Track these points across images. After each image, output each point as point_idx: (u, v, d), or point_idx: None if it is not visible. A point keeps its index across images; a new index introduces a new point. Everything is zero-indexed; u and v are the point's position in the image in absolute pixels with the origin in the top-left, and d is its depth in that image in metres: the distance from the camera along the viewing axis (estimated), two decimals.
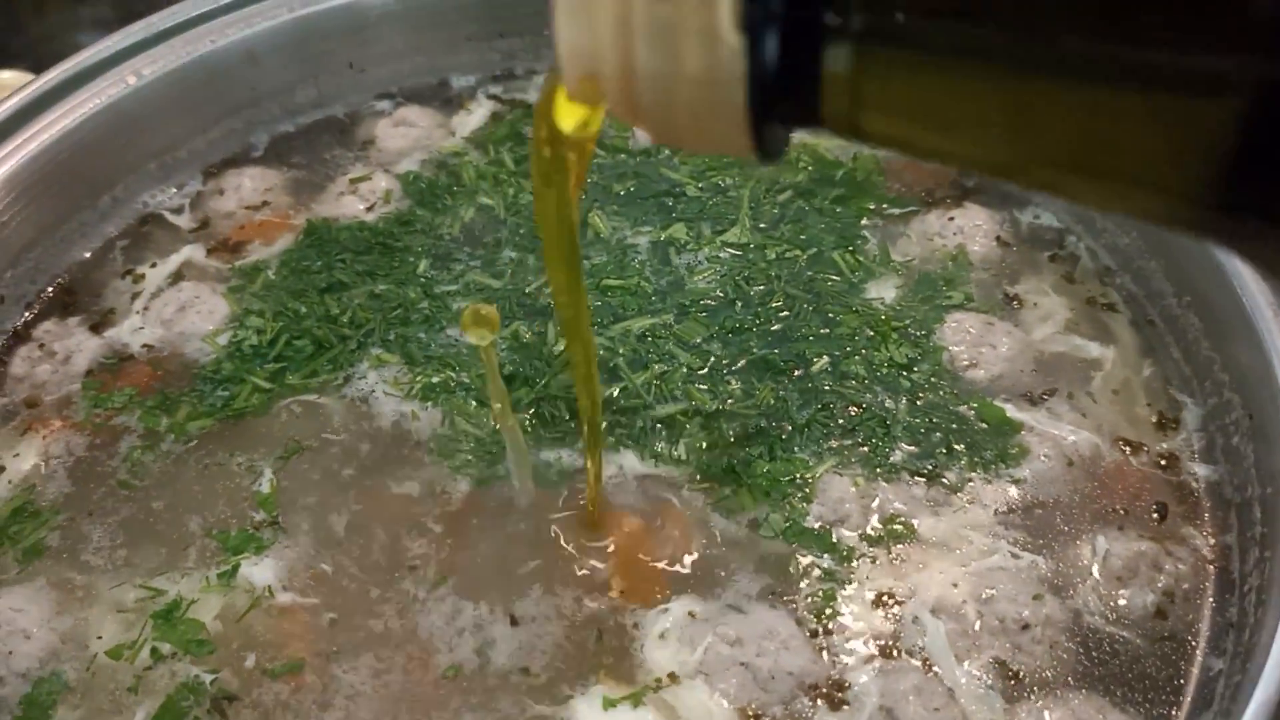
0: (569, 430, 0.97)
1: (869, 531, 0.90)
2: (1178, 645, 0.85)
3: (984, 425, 0.98)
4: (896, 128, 0.45)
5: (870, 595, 0.87)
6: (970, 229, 1.16)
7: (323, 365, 1.02)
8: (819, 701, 0.81)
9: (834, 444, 0.95)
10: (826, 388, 0.99)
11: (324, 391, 1.01)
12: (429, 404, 0.99)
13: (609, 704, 0.80)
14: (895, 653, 0.84)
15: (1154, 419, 1.00)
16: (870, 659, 0.83)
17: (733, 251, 1.12)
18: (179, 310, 1.09)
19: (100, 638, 0.85)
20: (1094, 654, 0.84)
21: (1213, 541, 0.91)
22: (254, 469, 0.95)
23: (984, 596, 0.86)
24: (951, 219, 1.16)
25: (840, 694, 0.81)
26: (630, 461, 0.95)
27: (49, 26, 1.81)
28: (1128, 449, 0.97)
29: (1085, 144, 0.40)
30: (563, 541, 0.90)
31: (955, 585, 0.87)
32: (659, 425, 0.97)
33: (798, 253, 1.12)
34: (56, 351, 1.06)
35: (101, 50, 1.16)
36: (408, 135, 1.30)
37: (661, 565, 0.89)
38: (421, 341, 1.04)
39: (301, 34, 1.27)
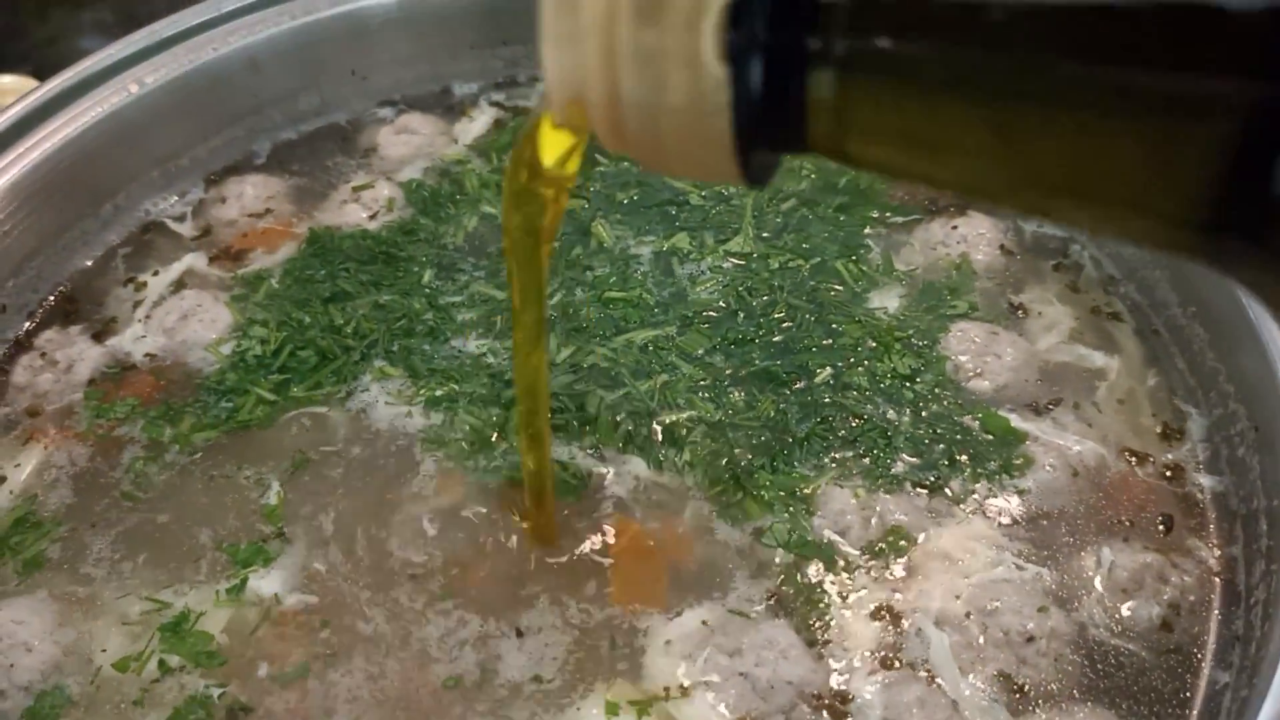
0: (574, 434, 0.96)
1: (871, 543, 0.90)
2: (1183, 658, 0.84)
3: (988, 436, 0.97)
4: (882, 152, 0.45)
5: (873, 606, 0.86)
6: (974, 237, 1.15)
7: (327, 377, 1.02)
8: (823, 712, 0.80)
9: (835, 455, 0.95)
10: (828, 399, 0.99)
11: (328, 404, 1.01)
12: (432, 415, 0.99)
13: (612, 710, 0.80)
14: (898, 664, 0.83)
15: (1159, 429, 1.00)
16: (873, 671, 0.83)
17: (736, 261, 1.12)
18: (181, 319, 1.09)
19: (105, 650, 0.85)
20: (1099, 667, 0.84)
21: (1218, 553, 0.91)
22: (259, 481, 0.95)
23: (988, 608, 0.85)
24: (955, 227, 1.16)
25: (843, 706, 0.81)
26: (635, 468, 0.94)
27: (50, 31, 1.81)
28: (1133, 460, 0.97)
29: (1072, 168, 0.40)
30: (566, 549, 0.90)
31: (959, 597, 0.86)
32: (663, 432, 0.96)
33: (801, 262, 1.11)
34: (58, 360, 1.06)
35: (103, 58, 1.16)
36: (410, 143, 1.29)
37: (663, 574, 0.88)
38: (425, 354, 1.04)
39: (303, 41, 1.27)
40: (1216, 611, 0.87)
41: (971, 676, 0.82)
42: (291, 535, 0.91)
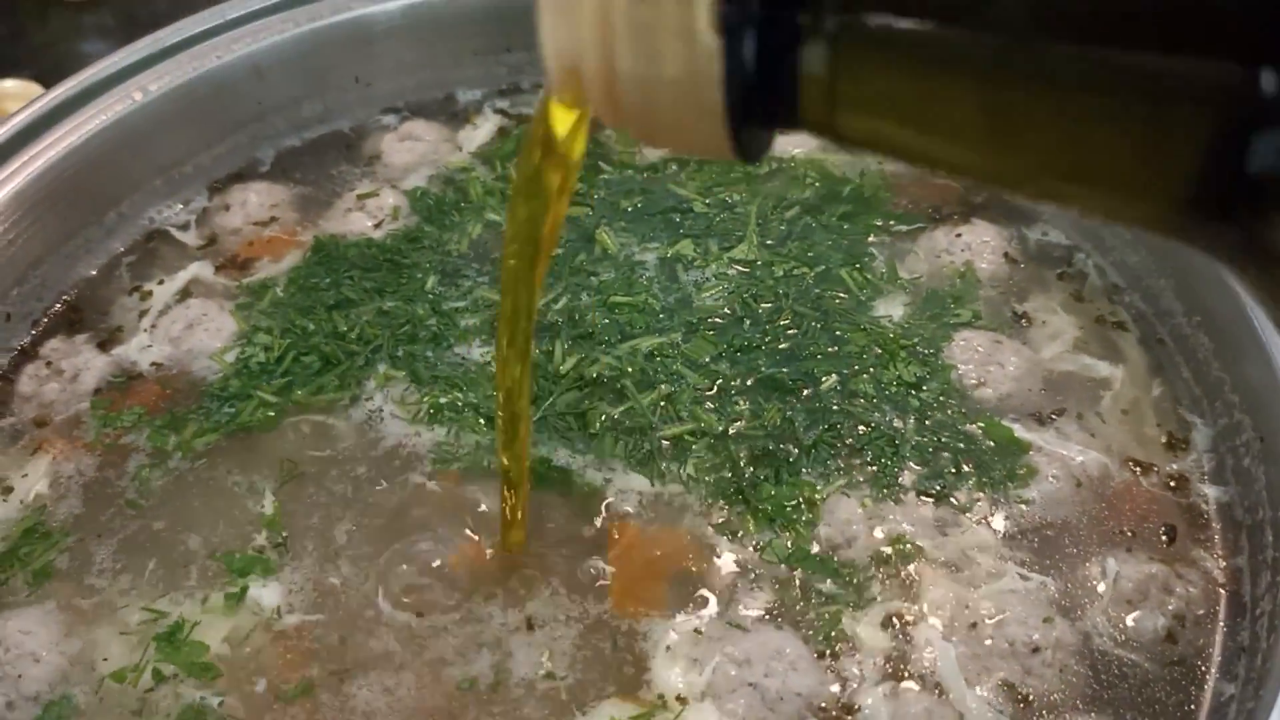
0: (578, 439, 0.97)
1: (877, 553, 0.90)
2: (1188, 670, 0.84)
3: (992, 445, 0.97)
4: (874, 129, 0.46)
5: (879, 617, 0.86)
6: (978, 246, 1.15)
7: (330, 382, 1.02)
8: None
9: (841, 464, 0.95)
10: (834, 407, 0.99)
11: (331, 410, 1.01)
12: (435, 424, 0.99)
13: None
14: (905, 675, 0.83)
15: (1163, 439, 1.00)
16: (880, 681, 0.83)
17: (740, 269, 1.12)
18: (187, 328, 1.09)
19: (106, 660, 0.85)
20: (1103, 677, 0.84)
21: (1223, 564, 0.91)
22: (261, 489, 0.95)
23: (994, 619, 0.86)
24: (959, 235, 1.16)
25: (849, 716, 0.81)
26: (638, 482, 0.95)
27: (51, 35, 1.81)
28: (1137, 470, 0.97)
29: (1059, 145, 0.41)
30: (569, 558, 0.90)
31: (965, 607, 0.86)
32: (666, 445, 0.97)
33: (805, 270, 1.12)
34: (64, 370, 1.06)
35: (107, 66, 1.16)
36: (414, 150, 1.29)
37: (666, 584, 0.88)
38: (429, 360, 1.04)
39: (307, 49, 1.27)
40: (1222, 623, 0.87)
41: (978, 688, 0.82)
42: (291, 544, 0.91)
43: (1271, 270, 0.39)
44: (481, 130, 1.32)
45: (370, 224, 1.20)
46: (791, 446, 0.96)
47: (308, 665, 0.84)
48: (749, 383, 1.01)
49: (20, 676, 0.83)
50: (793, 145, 1.28)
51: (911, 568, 0.89)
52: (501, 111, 1.36)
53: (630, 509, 0.93)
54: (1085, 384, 1.04)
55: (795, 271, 1.11)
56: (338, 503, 0.94)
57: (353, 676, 0.83)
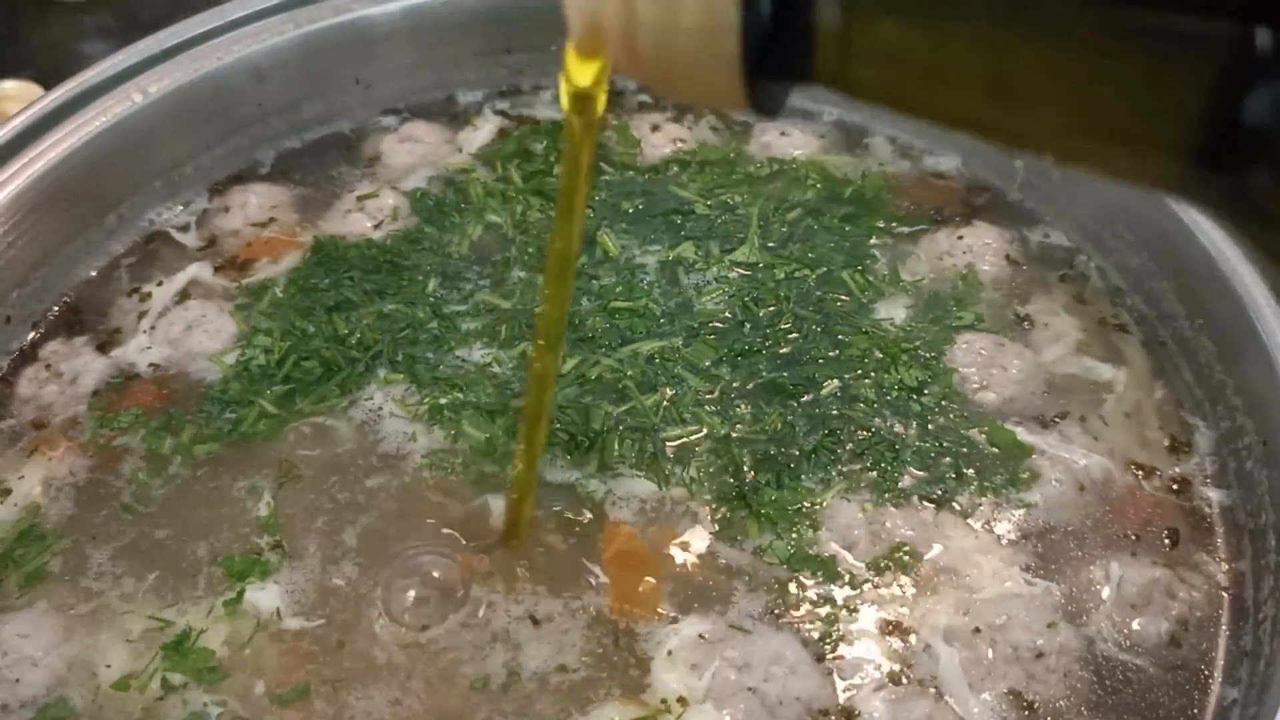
0: (579, 443, 0.96)
1: (878, 558, 0.90)
2: (1192, 675, 0.84)
3: (994, 449, 0.97)
4: (886, 83, 0.47)
5: (880, 622, 0.86)
6: (979, 248, 1.15)
7: (331, 390, 1.02)
8: None
9: (842, 469, 0.95)
10: (835, 411, 0.99)
11: (332, 415, 1.00)
12: (435, 426, 0.99)
13: None
14: (907, 680, 0.83)
15: (1166, 442, 1.00)
16: (881, 686, 0.83)
17: (741, 271, 1.12)
18: (186, 329, 1.08)
19: (109, 666, 0.84)
20: (1107, 683, 0.84)
21: (1226, 568, 0.91)
22: (260, 493, 0.95)
23: (997, 624, 0.85)
24: (961, 237, 1.16)
25: None
26: (640, 485, 0.94)
27: (52, 35, 1.80)
28: (1140, 473, 0.97)
29: (1065, 97, 0.42)
30: (570, 561, 0.90)
31: (967, 612, 0.86)
32: (668, 448, 0.96)
33: (807, 272, 1.11)
34: (63, 372, 1.05)
35: (107, 68, 1.16)
36: (414, 151, 1.29)
37: (665, 587, 0.88)
38: (429, 362, 1.04)
39: (307, 50, 1.26)
40: (1225, 627, 0.87)
41: (981, 693, 0.82)
42: (292, 548, 0.91)
43: (1262, 222, 0.40)
44: (482, 131, 1.32)
45: (370, 225, 1.19)
46: (793, 451, 0.96)
47: (307, 667, 0.84)
48: (750, 387, 1.01)
49: (18, 680, 0.83)
50: (794, 147, 1.28)
51: (913, 572, 0.89)
52: (502, 113, 1.35)
53: (632, 512, 0.93)
54: (1088, 387, 1.04)
55: (797, 274, 1.11)
56: (337, 505, 0.94)
57: (350, 679, 0.83)
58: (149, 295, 1.14)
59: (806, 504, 0.92)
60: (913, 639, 0.85)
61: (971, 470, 0.95)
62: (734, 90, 0.49)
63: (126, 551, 0.92)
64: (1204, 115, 0.39)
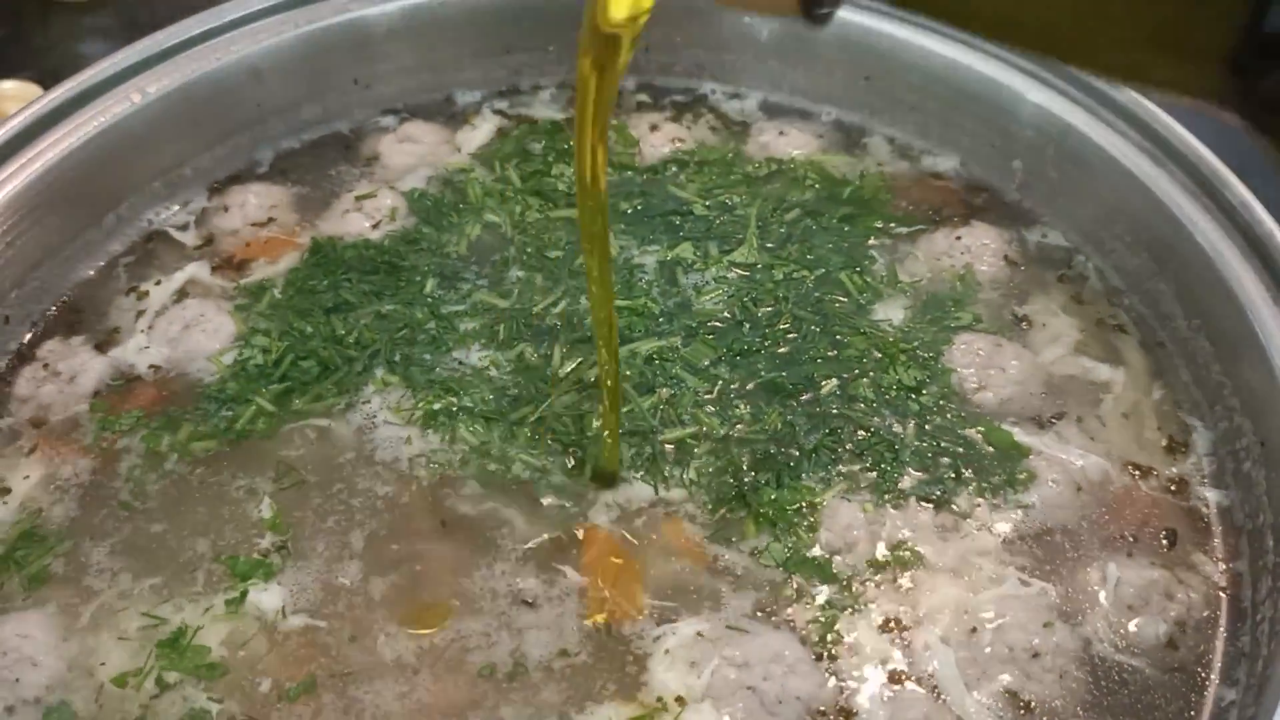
0: (577, 443, 0.97)
1: (877, 558, 0.90)
2: (1189, 676, 0.84)
3: (992, 450, 0.97)
4: None
5: (878, 621, 0.86)
6: (977, 248, 1.15)
7: (328, 389, 1.02)
8: None
9: (842, 469, 0.95)
10: (834, 411, 0.99)
11: (330, 415, 1.00)
12: (430, 429, 0.99)
13: None
14: (904, 679, 0.83)
15: (1164, 443, 1.00)
16: (879, 685, 0.83)
17: (740, 271, 1.12)
18: (184, 329, 1.08)
19: (104, 665, 0.84)
20: (1103, 684, 0.84)
21: (1223, 569, 0.91)
22: (259, 493, 0.95)
23: (994, 624, 0.85)
24: (959, 238, 1.16)
25: None
26: (638, 487, 0.94)
27: (52, 36, 1.80)
28: (1137, 474, 0.97)
29: (1115, 6, 0.45)
30: (565, 562, 0.90)
31: (965, 613, 0.86)
32: (668, 449, 0.96)
33: (805, 273, 1.11)
34: (61, 371, 1.06)
35: (106, 68, 1.15)
36: (413, 151, 1.29)
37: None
38: (426, 364, 1.04)
39: (306, 50, 1.26)
40: (1222, 628, 0.87)
41: (977, 692, 0.82)
42: (292, 547, 0.91)
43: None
44: (480, 131, 1.32)
45: (368, 225, 1.19)
46: (792, 451, 0.96)
47: (311, 665, 0.84)
48: (749, 387, 1.01)
49: (18, 680, 0.83)
50: (792, 147, 1.28)
51: (911, 572, 0.89)
52: (500, 113, 1.35)
53: (627, 513, 0.93)
54: (1085, 387, 1.04)
55: (795, 274, 1.11)
56: (335, 507, 0.94)
57: (357, 675, 0.83)
58: (147, 295, 1.14)
59: (806, 504, 0.92)
60: (910, 638, 0.85)
61: (969, 471, 0.95)
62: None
63: (125, 550, 0.92)
64: (1236, 24, 0.42)
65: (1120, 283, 1.13)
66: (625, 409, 0.98)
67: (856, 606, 0.87)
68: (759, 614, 0.87)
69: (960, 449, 0.97)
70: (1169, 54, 0.45)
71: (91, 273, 1.16)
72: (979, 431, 0.98)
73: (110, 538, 0.93)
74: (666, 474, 0.95)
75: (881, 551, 0.90)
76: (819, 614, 0.86)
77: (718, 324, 1.06)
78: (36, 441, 1.00)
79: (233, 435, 0.99)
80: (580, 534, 0.92)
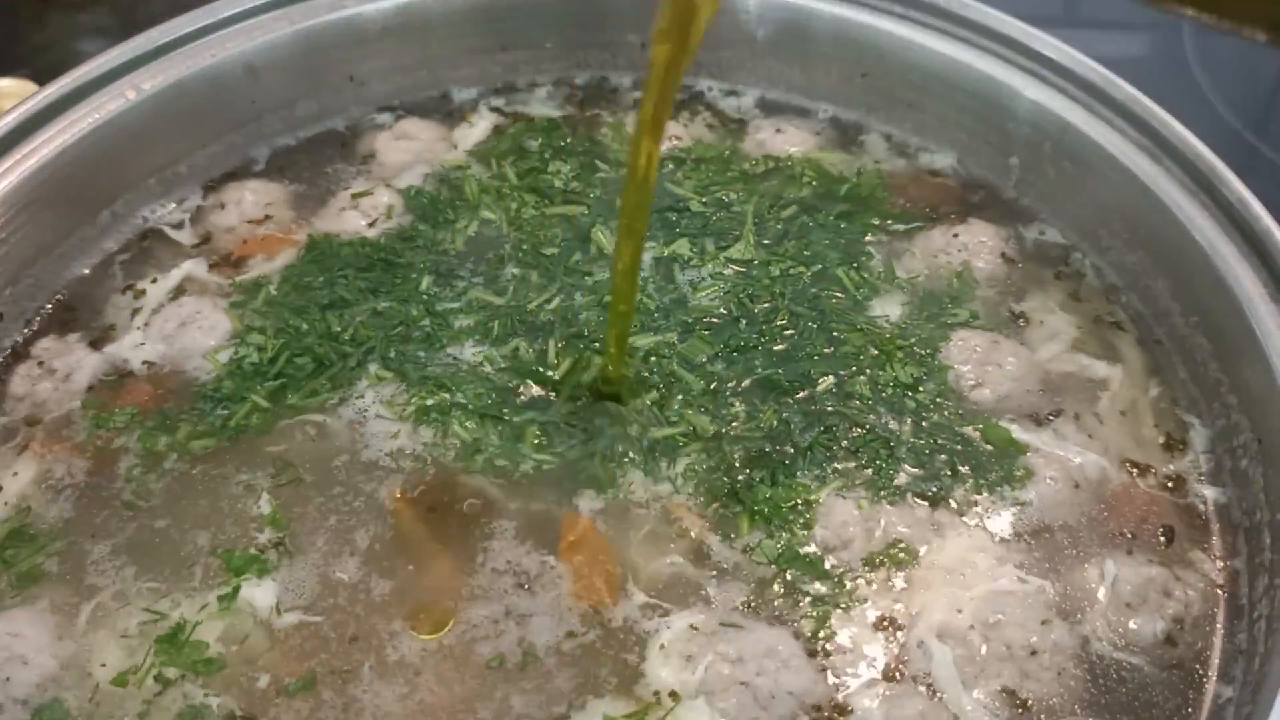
0: (575, 438, 0.96)
1: (873, 554, 0.89)
2: (1186, 673, 0.84)
3: (989, 447, 0.97)
4: None
5: (874, 619, 0.86)
6: (975, 245, 1.15)
7: (323, 385, 1.01)
8: None
9: (838, 466, 0.95)
10: (830, 408, 0.99)
11: (324, 411, 1.00)
12: (422, 424, 0.98)
13: None
14: (900, 677, 0.83)
15: (1161, 440, 0.99)
16: (874, 683, 0.83)
17: (736, 268, 1.12)
18: (180, 326, 1.08)
19: (104, 665, 0.84)
20: (1101, 681, 0.83)
21: (1221, 566, 0.90)
22: (254, 489, 0.95)
23: (991, 621, 0.85)
24: (956, 235, 1.16)
25: (843, 717, 0.81)
26: (633, 484, 0.94)
27: (49, 34, 1.80)
28: (1134, 471, 0.97)
29: None
30: (559, 558, 0.90)
31: (961, 610, 0.86)
32: (661, 446, 0.96)
33: (802, 269, 1.11)
34: (56, 369, 1.05)
35: (101, 65, 1.15)
36: (409, 148, 1.29)
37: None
38: (419, 361, 1.03)
39: (302, 47, 1.26)
40: (1220, 625, 0.86)
41: (974, 690, 0.82)
42: (289, 543, 0.91)
43: None
44: (477, 128, 1.32)
45: (364, 222, 1.19)
46: (788, 448, 0.96)
47: (310, 660, 0.84)
48: (745, 383, 1.01)
49: (8, 679, 0.83)
50: (789, 144, 1.28)
51: (907, 570, 0.89)
52: (497, 110, 1.35)
53: (621, 509, 0.92)
54: (1083, 384, 1.04)
55: (792, 271, 1.11)
56: (331, 502, 0.94)
57: (355, 671, 0.83)
58: (143, 292, 1.13)
59: (801, 500, 0.92)
60: (907, 636, 0.85)
61: (966, 468, 0.95)
62: None
63: (122, 549, 0.91)
64: None
65: (1118, 280, 1.13)
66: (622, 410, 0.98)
67: (852, 603, 0.87)
68: (753, 610, 0.86)
69: (957, 446, 0.96)
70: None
71: (87, 270, 1.16)
72: (976, 428, 0.98)
73: (104, 536, 0.92)
74: (660, 470, 0.94)
75: (878, 548, 0.90)
76: (812, 612, 0.86)
77: (714, 320, 1.06)
78: (31, 439, 1.00)
79: (228, 432, 0.98)
80: (563, 521, 0.91)
